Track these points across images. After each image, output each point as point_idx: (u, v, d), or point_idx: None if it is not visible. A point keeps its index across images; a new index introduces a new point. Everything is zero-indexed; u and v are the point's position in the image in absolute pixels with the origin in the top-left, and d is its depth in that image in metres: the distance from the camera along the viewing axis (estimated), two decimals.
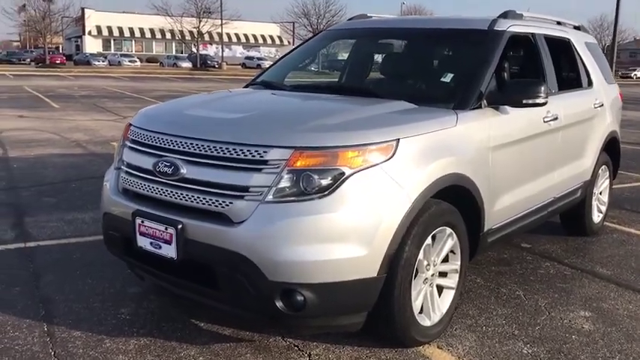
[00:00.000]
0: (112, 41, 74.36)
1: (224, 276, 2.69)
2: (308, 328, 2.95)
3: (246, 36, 78.84)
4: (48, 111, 14.71)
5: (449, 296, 3.22)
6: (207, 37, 62.30)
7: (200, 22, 58.40)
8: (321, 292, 2.61)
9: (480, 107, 3.37)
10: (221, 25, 57.21)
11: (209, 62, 58.51)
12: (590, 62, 4.99)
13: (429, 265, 3.02)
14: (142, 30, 74.43)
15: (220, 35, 59.90)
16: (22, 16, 62.32)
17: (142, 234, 2.91)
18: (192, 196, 2.76)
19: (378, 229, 2.65)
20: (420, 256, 2.89)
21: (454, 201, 3.09)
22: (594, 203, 5.09)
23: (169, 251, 2.80)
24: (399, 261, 2.75)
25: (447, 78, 3.61)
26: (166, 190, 2.86)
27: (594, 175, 4.89)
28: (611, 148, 5.24)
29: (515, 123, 3.61)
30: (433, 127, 3.01)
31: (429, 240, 2.94)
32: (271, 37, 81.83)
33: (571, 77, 4.81)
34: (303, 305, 2.61)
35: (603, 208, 5.34)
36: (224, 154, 2.71)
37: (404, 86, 3.92)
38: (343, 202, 2.61)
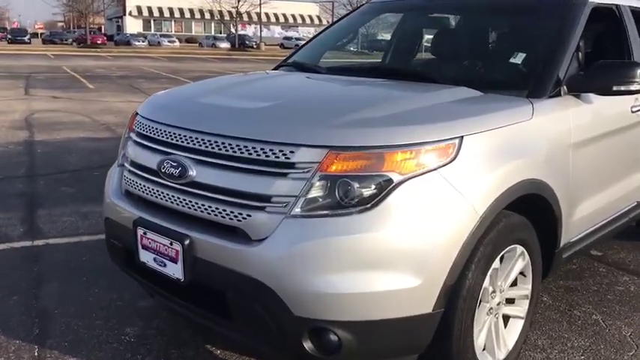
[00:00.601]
0: (152, 21, 74.53)
1: (239, 306, 2.16)
2: None
3: (284, 16, 78.04)
4: (82, 92, 14.45)
5: (517, 328, 2.63)
6: (245, 17, 61.82)
7: (239, 1, 57.90)
8: (361, 333, 2.05)
9: (558, 95, 2.73)
10: (259, 4, 56.58)
11: (247, 42, 58.00)
12: None
13: (494, 292, 2.43)
14: (181, 10, 74.34)
15: (259, 15, 59.37)
16: None
17: (145, 247, 2.40)
18: (203, 205, 2.23)
19: (435, 252, 2.07)
20: (486, 282, 2.31)
21: (526, 211, 2.48)
22: None
23: (175, 271, 2.28)
24: (461, 291, 2.17)
25: (518, 58, 2.95)
26: (172, 196, 2.34)
27: None
28: None
29: (600, 114, 2.97)
30: (504, 121, 2.40)
31: (496, 262, 2.35)
32: (310, 16, 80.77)
33: None
34: (338, 348, 2.06)
35: None
36: (240, 153, 2.15)
37: (463, 69, 3.27)
38: (391, 217, 2.03)
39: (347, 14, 4.31)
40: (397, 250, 2.03)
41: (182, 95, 2.92)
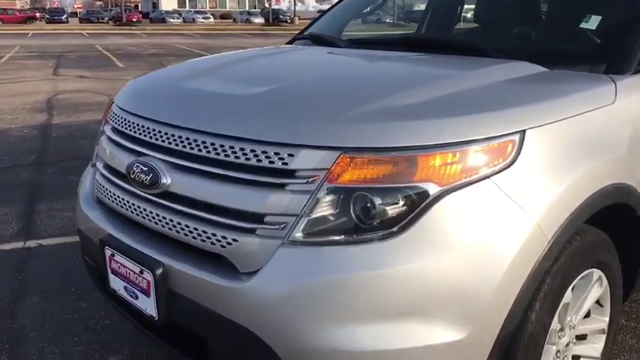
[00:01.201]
0: None
1: (224, 358, 1.65)
2: None
3: None
4: (110, 70, 14.13)
5: None
6: None
7: None
8: None
9: None
10: None
11: (281, 17, 57.09)
12: None
13: (562, 330, 1.86)
14: None
15: None
16: None
17: (114, 273, 1.90)
18: (179, 224, 1.70)
19: (488, 291, 1.50)
20: (554, 324, 1.74)
21: (604, 224, 1.89)
22: None
23: (148, 306, 1.78)
24: (521, 340, 1.61)
25: (592, 23, 2.28)
26: (144, 209, 1.82)
27: None
28: None
29: None
30: (580, 107, 1.78)
31: (567, 295, 1.77)
32: None
33: None
34: None
35: None
36: (225, 156, 1.61)
37: (520, 37, 2.63)
38: (426, 245, 1.47)
39: None
40: (434, 290, 1.47)
41: (167, 77, 2.40)
